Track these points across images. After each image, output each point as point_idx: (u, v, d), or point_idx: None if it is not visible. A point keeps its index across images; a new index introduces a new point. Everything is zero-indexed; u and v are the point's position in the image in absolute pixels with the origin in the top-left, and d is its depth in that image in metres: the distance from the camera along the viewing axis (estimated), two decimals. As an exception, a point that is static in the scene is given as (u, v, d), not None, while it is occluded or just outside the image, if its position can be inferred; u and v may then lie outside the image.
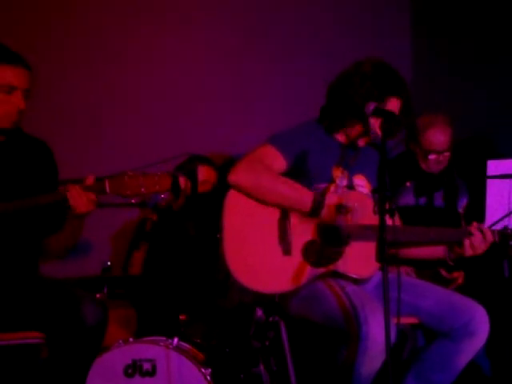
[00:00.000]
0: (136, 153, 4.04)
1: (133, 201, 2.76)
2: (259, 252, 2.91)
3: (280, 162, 2.95)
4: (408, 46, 4.96)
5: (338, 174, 3.00)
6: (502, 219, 2.98)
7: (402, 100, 2.98)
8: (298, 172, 2.96)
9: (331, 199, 2.88)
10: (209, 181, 3.93)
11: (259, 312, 3.00)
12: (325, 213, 2.87)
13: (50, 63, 4.01)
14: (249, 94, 4.55)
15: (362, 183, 3.05)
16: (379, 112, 2.83)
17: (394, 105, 2.96)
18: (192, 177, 3.55)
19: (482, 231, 2.95)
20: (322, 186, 2.95)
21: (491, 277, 3.71)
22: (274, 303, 2.95)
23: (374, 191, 2.84)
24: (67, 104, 4.14)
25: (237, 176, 2.92)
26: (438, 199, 3.89)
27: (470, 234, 2.96)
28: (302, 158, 2.96)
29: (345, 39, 4.72)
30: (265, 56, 4.60)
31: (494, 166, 2.94)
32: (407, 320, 2.95)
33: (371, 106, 2.84)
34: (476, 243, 2.95)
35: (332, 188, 2.94)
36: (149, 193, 2.72)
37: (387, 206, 2.58)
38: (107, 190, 2.73)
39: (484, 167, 3.08)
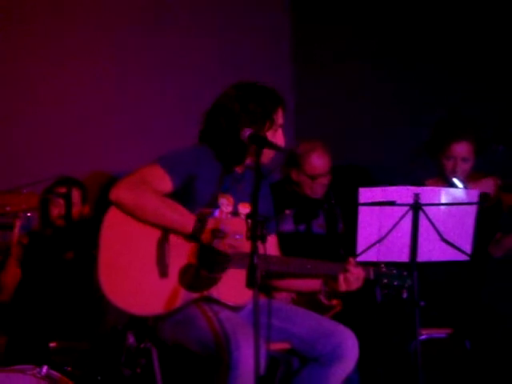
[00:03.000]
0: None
1: None
2: (136, 273, 2.85)
3: (166, 184, 2.90)
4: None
5: (224, 201, 2.99)
6: (371, 247, 3.04)
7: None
8: (183, 195, 2.92)
9: (212, 223, 2.87)
10: (79, 203, 3.86)
11: (131, 338, 2.93)
12: (205, 237, 2.85)
13: None
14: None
15: (246, 211, 3.03)
16: (254, 138, 2.84)
17: (281, 116, 3.00)
18: (66, 199, 3.47)
19: (355, 268, 2.97)
20: (207, 210, 2.93)
21: (365, 302, 3.78)
22: (147, 327, 2.90)
23: (247, 217, 2.86)
24: None
25: (118, 193, 2.83)
26: (316, 226, 3.97)
27: (346, 271, 2.98)
28: (189, 182, 2.93)
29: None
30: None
31: (365, 194, 3.00)
32: (279, 346, 2.95)
33: (246, 133, 2.85)
34: (351, 279, 2.98)
35: (216, 213, 2.93)
36: (15, 211, 2.67)
37: (259, 232, 2.59)
38: None
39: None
